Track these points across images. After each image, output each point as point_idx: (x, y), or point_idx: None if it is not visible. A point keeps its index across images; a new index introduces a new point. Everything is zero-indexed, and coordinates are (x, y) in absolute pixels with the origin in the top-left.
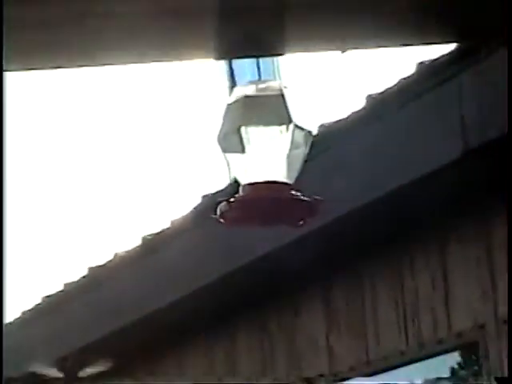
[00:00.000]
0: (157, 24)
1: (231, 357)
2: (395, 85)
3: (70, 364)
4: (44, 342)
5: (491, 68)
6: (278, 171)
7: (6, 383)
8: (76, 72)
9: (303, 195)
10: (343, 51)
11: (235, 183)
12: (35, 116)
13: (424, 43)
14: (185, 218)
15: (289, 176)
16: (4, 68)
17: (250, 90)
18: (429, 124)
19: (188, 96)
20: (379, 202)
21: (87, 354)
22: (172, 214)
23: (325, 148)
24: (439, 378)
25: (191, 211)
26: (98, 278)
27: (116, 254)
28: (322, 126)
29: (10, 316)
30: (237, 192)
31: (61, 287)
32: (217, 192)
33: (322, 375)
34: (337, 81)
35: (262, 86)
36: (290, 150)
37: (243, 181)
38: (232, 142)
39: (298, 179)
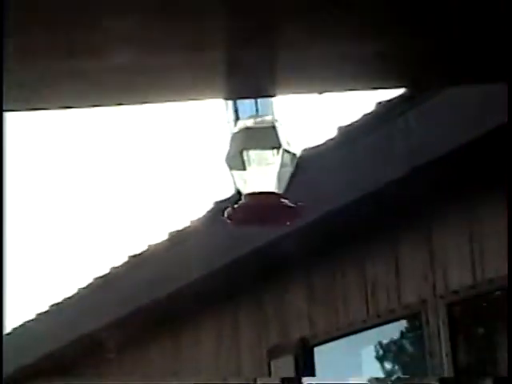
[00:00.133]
0: (175, 73)
1: (235, 324)
2: (359, 119)
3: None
4: (95, 312)
5: (431, 107)
6: (271, 184)
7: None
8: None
9: (290, 202)
10: (320, 93)
11: (238, 193)
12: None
13: (382, 88)
14: (201, 219)
15: (279, 188)
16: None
17: (250, 123)
18: (383, 149)
19: (203, 127)
20: (347, 205)
21: (133, 320)
22: (191, 216)
23: (306, 166)
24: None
25: (205, 213)
26: (137, 263)
27: (150, 245)
28: (304, 149)
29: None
30: (240, 200)
31: (108, 270)
32: (225, 199)
33: (304, 337)
34: (315, 115)
35: (259, 119)
36: (280, 168)
37: (244, 191)
38: (236, 161)
39: (286, 190)
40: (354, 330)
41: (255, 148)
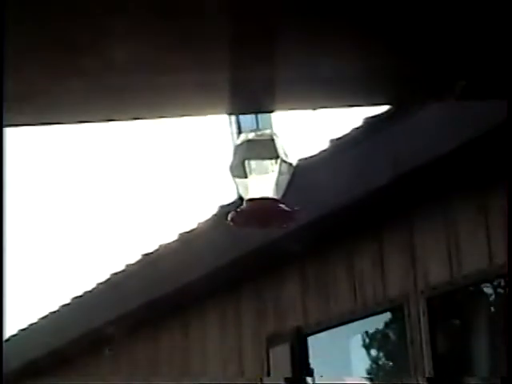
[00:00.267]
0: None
1: (237, 315)
2: (349, 132)
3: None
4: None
5: (412, 122)
6: (270, 190)
7: None
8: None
9: (287, 207)
10: (314, 109)
11: (240, 198)
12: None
13: (371, 104)
14: (207, 221)
15: (277, 194)
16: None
17: (251, 136)
18: (370, 158)
19: (209, 140)
20: (338, 209)
21: (147, 310)
22: (198, 218)
23: (302, 174)
24: None
25: (211, 217)
26: (150, 261)
27: (161, 245)
28: (300, 159)
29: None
30: (242, 204)
31: (123, 267)
32: (228, 204)
33: (299, 326)
34: (309, 129)
35: (259, 132)
36: (278, 176)
37: (246, 197)
38: (239, 170)
39: (283, 196)
40: (344, 321)
41: (256, 158)
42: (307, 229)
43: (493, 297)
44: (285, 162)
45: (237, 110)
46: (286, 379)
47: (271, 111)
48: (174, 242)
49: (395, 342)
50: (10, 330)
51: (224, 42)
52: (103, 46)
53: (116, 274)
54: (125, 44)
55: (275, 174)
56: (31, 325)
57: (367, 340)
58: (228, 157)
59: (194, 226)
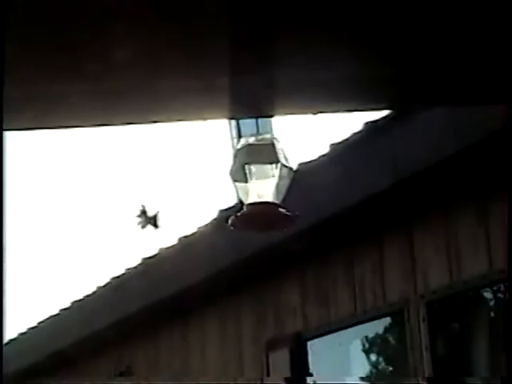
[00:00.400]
0: (185, 96)
1: (237, 318)
2: (349, 137)
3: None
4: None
5: (413, 126)
6: (270, 195)
7: None
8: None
9: (287, 211)
10: (315, 114)
11: (241, 202)
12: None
13: (371, 109)
14: (207, 225)
15: (277, 198)
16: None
17: (252, 140)
18: (370, 163)
19: (210, 144)
20: (337, 213)
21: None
22: (198, 223)
23: (302, 179)
24: None
25: (212, 220)
26: (150, 264)
27: (161, 249)
28: (300, 164)
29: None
30: (242, 208)
31: (123, 271)
32: (228, 208)
33: (298, 332)
34: (309, 133)
35: (259, 137)
36: (278, 180)
37: (246, 201)
38: (239, 175)
39: (283, 200)
40: (344, 326)
41: (256, 163)
42: (307, 233)
43: (493, 302)
44: (285, 166)
45: (237, 114)
46: (286, 379)
47: (271, 116)
48: (174, 245)
49: (395, 346)
50: (9, 334)
51: (224, 47)
52: (103, 49)
53: (116, 277)
54: (124, 48)
55: (275, 179)
56: (31, 328)
57: (367, 345)
58: (228, 161)
59: (194, 230)
